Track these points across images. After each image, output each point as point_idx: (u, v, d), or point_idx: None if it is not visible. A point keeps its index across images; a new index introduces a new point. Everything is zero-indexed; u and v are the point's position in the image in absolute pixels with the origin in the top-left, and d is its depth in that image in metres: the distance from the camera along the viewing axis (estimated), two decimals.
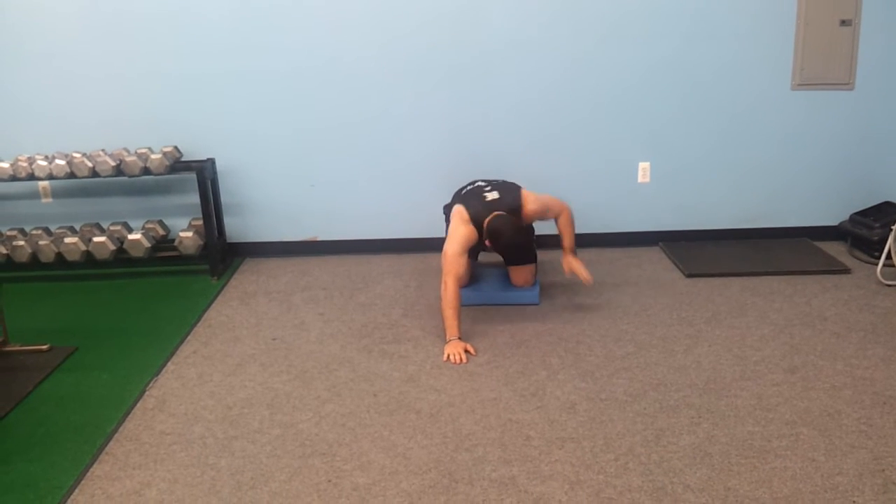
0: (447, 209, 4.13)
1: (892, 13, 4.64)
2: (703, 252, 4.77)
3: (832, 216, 4.98)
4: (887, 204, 4.81)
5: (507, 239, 3.72)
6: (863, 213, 4.81)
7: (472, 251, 4.08)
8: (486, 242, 3.79)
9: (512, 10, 4.60)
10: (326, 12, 4.60)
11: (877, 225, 4.59)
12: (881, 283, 4.23)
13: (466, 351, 3.54)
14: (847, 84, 4.76)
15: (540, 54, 4.68)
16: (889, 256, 4.23)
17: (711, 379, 3.23)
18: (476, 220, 3.80)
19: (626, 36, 4.66)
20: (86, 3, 4.56)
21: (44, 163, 4.50)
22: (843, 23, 4.65)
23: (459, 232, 3.77)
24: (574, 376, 3.29)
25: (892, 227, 4.21)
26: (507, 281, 4.24)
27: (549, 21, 4.63)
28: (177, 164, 4.61)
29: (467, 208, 3.83)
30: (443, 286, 3.64)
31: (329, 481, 2.61)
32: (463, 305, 3.88)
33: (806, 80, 4.75)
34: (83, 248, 4.55)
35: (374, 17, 4.61)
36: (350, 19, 4.62)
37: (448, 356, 3.52)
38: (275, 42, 4.64)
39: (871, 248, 4.59)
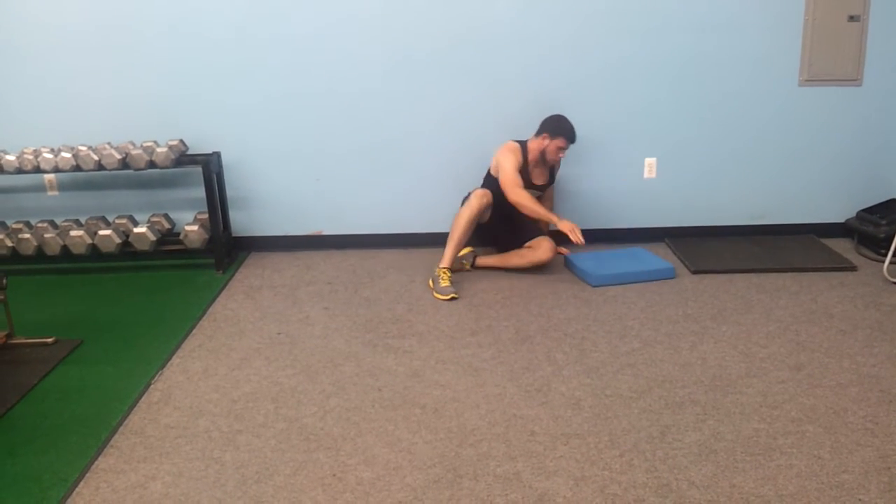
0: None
1: None
2: (709, 248, 4.76)
3: (839, 213, 4.97)
4: (894, 201, 4.80)
5: (563, 119, 4.42)
6: (870, 210, 4.80)
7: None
8: (541, 137, 4.41)
9: (516, 3, 4.59)
10: (332, 6, 4.60)
11: (884, 222, 4.58)
12: (888, 280, 4.21)
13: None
14: (855, 80, 4.74)
15: (546, 49, 4.67)
16: None
17: (717, 376, 3.22)
18: (521, 144, 4.46)
19: (633, 31, 4.65)
20: None
21: (49, 156, 4.50)
22: (852, 18, 4.64)
23: (510, 159, 4.36)
24: (579, 372, 3.28)
25: None
26: (639, 259, 4.53)
27: (554, 15, 4.62)
28: (182, 158, 4.61)
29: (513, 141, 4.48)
30: (513, 196, 4.28)
31: (334, 475, 2.61)
32: (599, 286, 4.25)
33: (814, 76, 4.73)
34: (89, 241, 4.56)
35: (380, 11, 4.61)
36: (355, 13, 4.61)
37: (572, 231, 4.21)
38: (281, 36, 4.64)
39: (877, 245, 4.58)
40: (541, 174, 4.54)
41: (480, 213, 4.28)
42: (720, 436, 2.78)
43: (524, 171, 4.44)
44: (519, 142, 4.49)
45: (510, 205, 4.34)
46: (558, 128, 4.41)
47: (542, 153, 4.45)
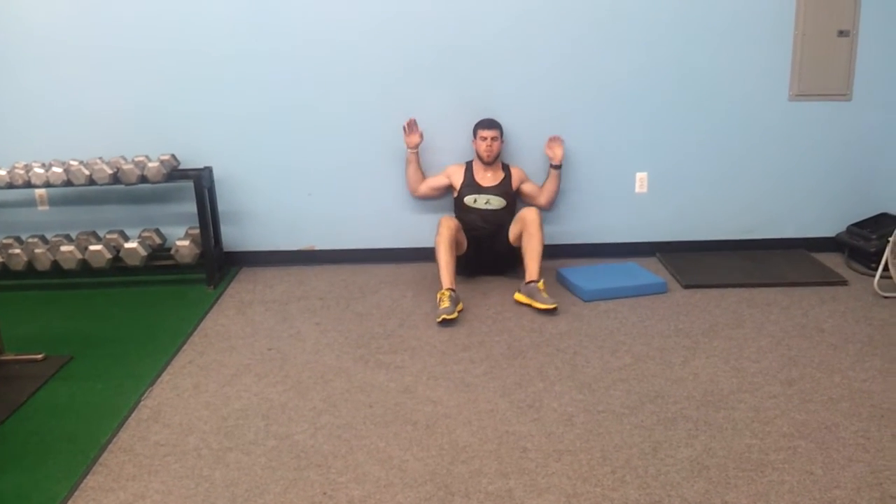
0: None
1: (889, 24, 4.66)
2: (701, 263, 4.77)
3: (829, 227, 4.99)
4: (884, 215, 4.81)
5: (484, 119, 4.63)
6: (860, 225, 4.81)
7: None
8: (472, 141, 4.66)
9: (507, 17, 4.61)
10: (325, 20, 4.61)
11: (874, 236, 4.60)
12: (878, 294, 4.23)
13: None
14: (845, 95, 4.77)
15: (536, 64, 4.69)
16: (886, 268, 4.23)
17: (709, 391, 3.22)
18: (468, 161, 4.72)
19: (624, 46, 4.67)
20: (83, 12, 4.57)
21: (41, 170, 4.49)
22: (841, 33, 4.67)
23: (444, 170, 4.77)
24: (571, 388, 3.28)
25: (889, 239, 4.21)
26: (631, 274, 4.53)
27: (544, 30, 4.64)
28: (174, 173, 4.60)
29: None
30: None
31: (324, 494, 2.60)
32: (592, 301, 4.26)
33: (804, 91, 4.76)
34: (79, 256, 4.54)
35: (373, 25, 4.62)
36: (348, 27, 4.62)
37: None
38: (272, 51, 4.65)
39: (868, 259, 4.59)
40: (491, 177, 4.63)
41: (453, 234, 4.30)
42: (712, 452, 2.77)
43: (472, 179, 4.63)
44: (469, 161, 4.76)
45: (478, 227, 4.57)
46: (474, 127, 4.64)
47: (479, 155, 4.61)
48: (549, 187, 4.75)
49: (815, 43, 4.67)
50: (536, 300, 4.12)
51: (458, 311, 4.07)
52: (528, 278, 4.25)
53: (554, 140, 4.73)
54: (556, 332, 3.85)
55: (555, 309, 4.07)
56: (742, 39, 4.67)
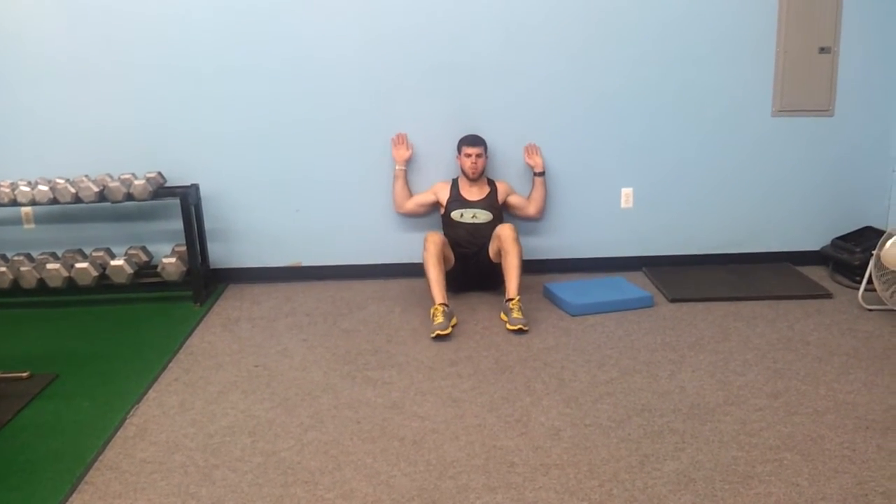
0: None
1: (870, 40, 4.72)
2: (687, 277, 4.79)
3: (814, 241, 5.03)
4: (868, 229, 4.86)
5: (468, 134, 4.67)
6: (844, 238, 4.85)
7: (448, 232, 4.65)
8: (457, 157, 4.66)
9: (497, 38, 4.65)
10: (311, 37, 4.63)
11: (858, 250, 4.64)
12: (863, 307, 4.26)
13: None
14: (827, 110, 4.82)
15: (523, 81, 4.73)
16: (870, 281, 4.26)
17: (695, 404, 3.23)
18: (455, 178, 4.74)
19: (609, 63, 4.72)
20: (69, 29, 4.57)
21: (26, 188, 4.48)
22: (822, 50, 4.73)
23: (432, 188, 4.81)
24: (558, 402, 3.28)
25: (873, 252, 4.24)
26: (617, 288, 4.54)
27: (529, 47, 4.68)
28: (160, 190, 4.60)
29: None
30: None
31: None
32: (579, 315, 4.27)
33: (786, 107, 4.81)
34: (65, 274, 4.52)
35: (359, 41, 4.64)
36: (333, 43, 4.64)
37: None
38: (259, 67, 4.66)
39: (852, 272, 4.63)
40: (477, 191, 4.65)
41: (440, 249, 4.31)
42: (699, 464, 2.78)
43: (458, 194, 4.65)
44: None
45: (465, 242, 4.58)
46: (458, 143, 4.66)
47: (464, 171, 4.63)
48: (537, 196, 4.78)
49: (796, 60, 4.73)
50: (508, 319, 4.12)
51: (453, 326, 4.07)
52: (506, 296, 4.25)
53: (531, 148, 4.79)
54: (543, 347, 3.86)
55: (520, 330, 4.03)
56: (725, 57, 4.72)
